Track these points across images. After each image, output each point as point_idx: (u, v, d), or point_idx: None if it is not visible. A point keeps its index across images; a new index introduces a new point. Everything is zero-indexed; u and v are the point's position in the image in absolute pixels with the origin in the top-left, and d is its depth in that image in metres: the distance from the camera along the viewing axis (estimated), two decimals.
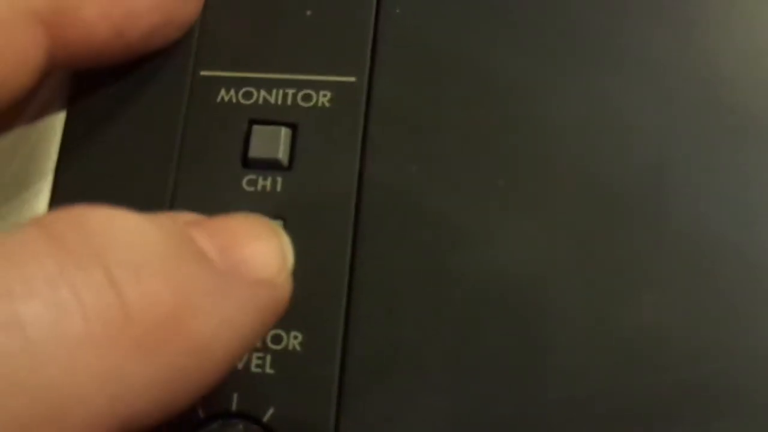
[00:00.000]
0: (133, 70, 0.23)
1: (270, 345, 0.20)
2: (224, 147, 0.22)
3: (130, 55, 0.22)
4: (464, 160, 0.21)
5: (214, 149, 0.22)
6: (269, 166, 0.22)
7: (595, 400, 0.19)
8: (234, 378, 0.20)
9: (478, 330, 0.20)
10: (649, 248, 0.20)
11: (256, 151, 0.22)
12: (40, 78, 0.21)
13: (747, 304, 0.20)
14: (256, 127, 0.22)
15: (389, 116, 0.22)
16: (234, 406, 0.20)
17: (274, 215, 0.21)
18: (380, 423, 0.20)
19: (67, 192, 0.22)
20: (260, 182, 0.22)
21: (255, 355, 0.20)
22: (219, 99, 0.22)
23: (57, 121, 0.23)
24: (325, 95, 0.22)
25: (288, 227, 0.21)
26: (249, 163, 0.22)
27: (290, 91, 0.22)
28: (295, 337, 0.20)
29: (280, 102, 0.22)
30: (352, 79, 0.22)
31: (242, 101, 0.22)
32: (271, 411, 0.20)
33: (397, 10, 0.23)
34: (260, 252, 0.17)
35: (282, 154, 0.22)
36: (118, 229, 0.15)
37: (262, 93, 0.22)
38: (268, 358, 0.20)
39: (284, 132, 0.22)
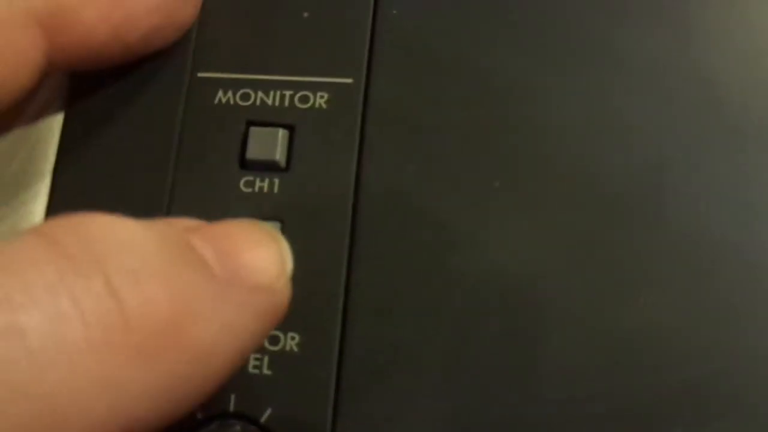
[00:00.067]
0: (131, 72, 0.23)
1: (267, 346, 0.20)
2: (221, 148, 0.22)
3: (128, 56, 0.22)
4: (462, 161, 0.21)
5: (211, 150, 0.22)
6: (266, 167, 0.22)
7: (595, 400, 0.19)
8: (232, 379, 0.20)
9: (475, 330, 0.20)
10: (649, 248, 0.20)
11: (253, 152, 0.22)
12: (38, 79, 0.21)
13: (747, 304, 0.20)
14: (253, 129, 0.22)
15: (386, 117, 0.22)
16: (232, 407, 0.20)
17: (272, 216, 0.21)
18: (377, 423, 0.20)
19: (65, 193, 0.22)
20: (257, 183, 0.22)
21: (252, 356, 0.20)
22: (216, 100, 0.22)
23: (55, 123, 0.23)
24: (322, 96, 0.22)
25: (285, 228, 0.21)
26: (246, 165, 0.22)
27: (287, 93, 0.22)
28: (293, 338, 0.20)
29: (277, 103, 0.22)
30: (349, 80, 0.22)
31: (239, 102, 0.22)
32: (268, 412, 0.20)
33: (394, 12, 0.23)
34: (259, 258, 0.17)
35: (279, 155, 0.22)
36: (117, 236, 0.15)
37: (260, 94, 0.22)
38: (266, 359, 0.20)
39: (281, 133, 0.22)
